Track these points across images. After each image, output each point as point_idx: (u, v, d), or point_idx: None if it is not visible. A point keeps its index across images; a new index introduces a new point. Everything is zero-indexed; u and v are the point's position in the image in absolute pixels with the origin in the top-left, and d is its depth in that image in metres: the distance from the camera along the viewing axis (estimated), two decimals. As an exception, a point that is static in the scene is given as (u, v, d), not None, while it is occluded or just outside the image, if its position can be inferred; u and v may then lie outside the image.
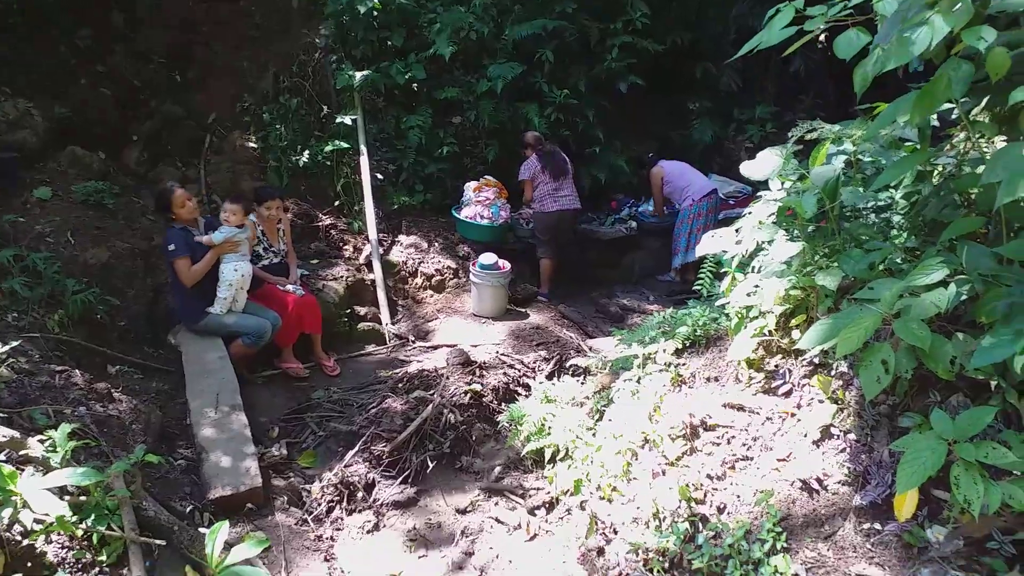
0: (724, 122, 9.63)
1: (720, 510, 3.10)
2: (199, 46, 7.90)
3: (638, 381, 3.98)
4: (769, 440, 3.22)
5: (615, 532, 3.41)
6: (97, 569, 3.00)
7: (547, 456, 4.20)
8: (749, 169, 3.63)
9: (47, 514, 2.85)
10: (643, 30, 8.52)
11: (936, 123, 3.50)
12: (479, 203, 7.40)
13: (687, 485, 3.18)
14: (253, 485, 3.98)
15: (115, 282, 5.40)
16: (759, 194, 3.82)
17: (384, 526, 4.15)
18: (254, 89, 7.83)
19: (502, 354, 5.75)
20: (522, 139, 7.49)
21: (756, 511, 2.98)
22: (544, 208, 7.16)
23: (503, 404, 5.00)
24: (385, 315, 6.44)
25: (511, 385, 5.29)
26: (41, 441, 3.33)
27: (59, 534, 2.99)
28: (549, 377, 5.37)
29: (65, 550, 2.98)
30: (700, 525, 3.11)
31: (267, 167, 7.33)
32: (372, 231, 6.94)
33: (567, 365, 5.19)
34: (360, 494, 4.30)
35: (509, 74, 7.68)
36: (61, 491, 3.09)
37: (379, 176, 7.59)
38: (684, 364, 3.99)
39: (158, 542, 3.19)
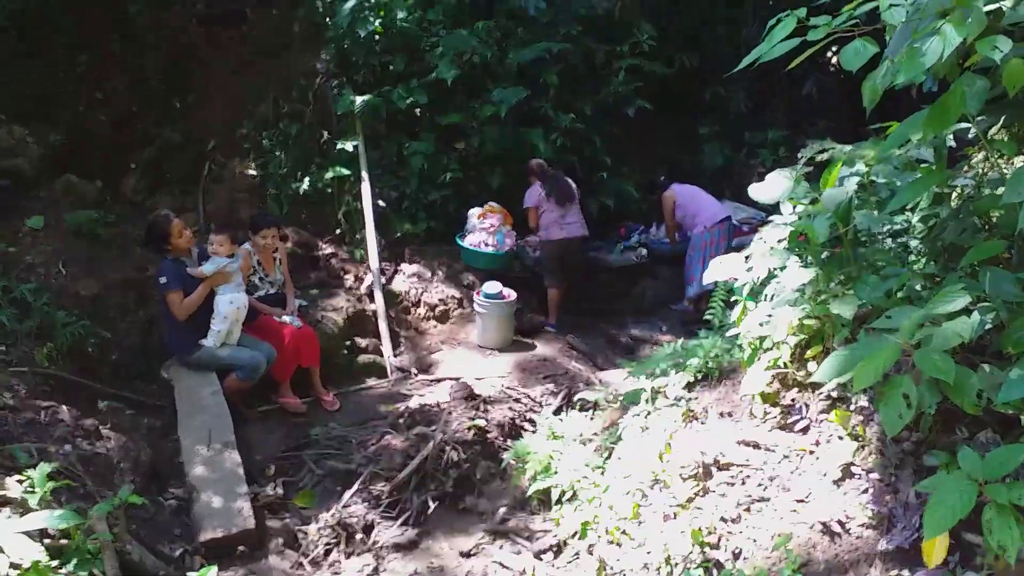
0: (735, 146, 9.49)
1: (736, 555, 2.91)
2: (198, 71, 7.85)
3: (647, 417, 3.80)
4: (786, 480, 3.04)
5: (624, 578, 3.22)
6: (76, 618, 2.84)
7: (554, 497, 4.01)
8: (757, 192, 3.49)
9: (22, 559, 2.70)
10: (650, 53, 8.42)
11: (953, 143, 3.36)
12: (483, 230, 7.26)
13: (700, 528, 2.99)
14: (246, 526, 3.82)
15: (107, 314, 5.28)
16: (771, 219, 3.67)
17: (384, 570, 3.96)
18: (253, 115, 7.76)
19: (507, 387, 5.58)
20: (527, 167, 7.37)
21: (774, 556, 2.79)
22: (550, 236, 7.02)
23: (509, 440, 4.82)
24: (387, 347, 6.28)
25: (517, 420, 5.11)
26: (20, 481, 3.19)
27: (36, 581, 2.83)
28: (557, 411, 5.18)
29: (42, 599, 2.82)
30: (714, 572, 2.93)
31: (267, 195, 7.24)
32: (374, 260, 6.81)
33: (575, 399, 5.01)
34: (359, 536, 4.12)
35: (513, 98, 7.58)
36: (41, 534, 2.94)
37: (381, 203, 7.48)
38: (696, 398, 3.82)
39: (141, 589, 3.03)
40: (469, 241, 7.30)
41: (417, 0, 8.02)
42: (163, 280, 4.89)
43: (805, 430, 3.16)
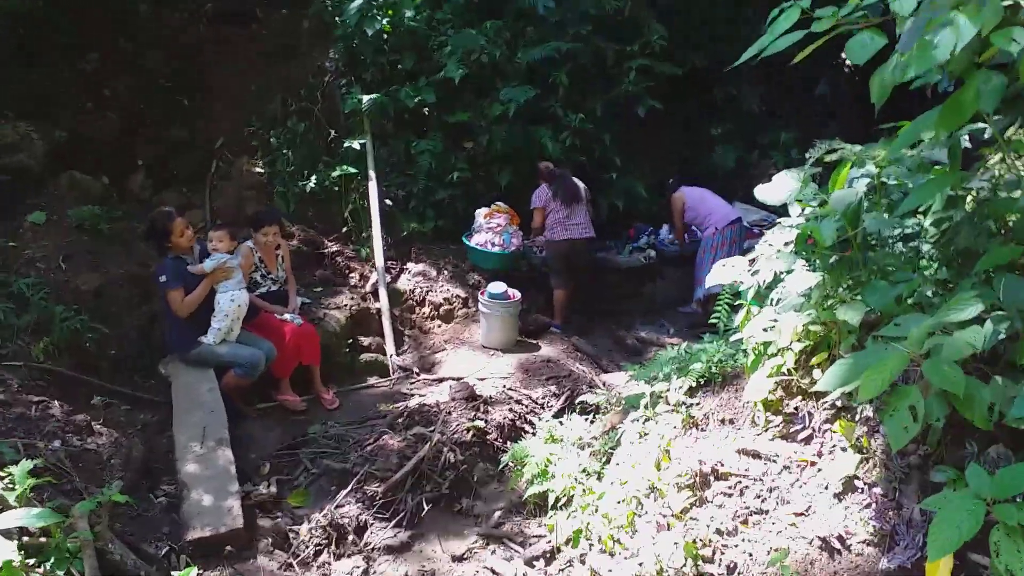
0: (747, 147, 9.35)
1: (730, 570, 2.80)
2: (207, 70, 7.83)
3: (646, 423, 3.70)
4: (786, 492, 2.92)
5: (616, 590, 3.12)
6: (52, 619, 2.78)
7: (550, 501, 3.91)
8: (764, 193, 3.38)
9: (-4, 558, 2.63)
10: (661, 53, 8.30)
11: (968, 143, 3.24)
12: (490, 230, 7.17)
13: (694, 541, 2.89)
14: (234, 526, 3.75)
15: (108, 309, 5.24)
16: (779, 220, 3.56)
17: (374, 572, 3.88)
18: (262, 113, 7.72)
19: (509, 388, 5.49)
20: (537, 169, 7.29)
21: (770, 573, 2.67)
22: (554, 237, 6.92)
23: (508, 442, 4.73)
24: (390, 346, 6.21)
25: (517, 422, 5.03)
26: (2, 478, 3.13)
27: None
28: (559, 414, 5.10)
29: (18, 599, 2.76)
30: (708, 586, 2.82)
31: (274, 193, 7.19)
32: (379, 258, 6.75)
33: (577, 401, 4.91)
34: (351, 537, 4.05)
35: (522, 97, 7.49)
36: (20, 532, 2.88)
37: (388, 202, 7.42)
38: (697, 404, 3.71)
39: (121, 590, 2.97)
40: (475, 240, 7.21)
41: (426, -1, 7.97)
42: (163, 279, 4.84)
43: (808, 440, 3.05)
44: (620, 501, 3.35)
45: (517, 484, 4.24)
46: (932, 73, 3.35)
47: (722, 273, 3.38)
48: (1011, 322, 2.39)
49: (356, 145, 7.29)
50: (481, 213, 7.38)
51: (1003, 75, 2.33)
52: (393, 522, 4.14)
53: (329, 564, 3.89)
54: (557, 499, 3.80)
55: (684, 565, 2.84)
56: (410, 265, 7.15)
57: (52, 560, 2.88)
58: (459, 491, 4.42)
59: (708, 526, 2.92)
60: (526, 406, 5.23)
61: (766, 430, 3.24)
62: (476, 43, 7.58)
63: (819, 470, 2.91)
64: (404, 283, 6.95)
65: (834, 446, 2.94)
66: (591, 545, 3.36)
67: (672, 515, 3.06)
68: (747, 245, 7.27)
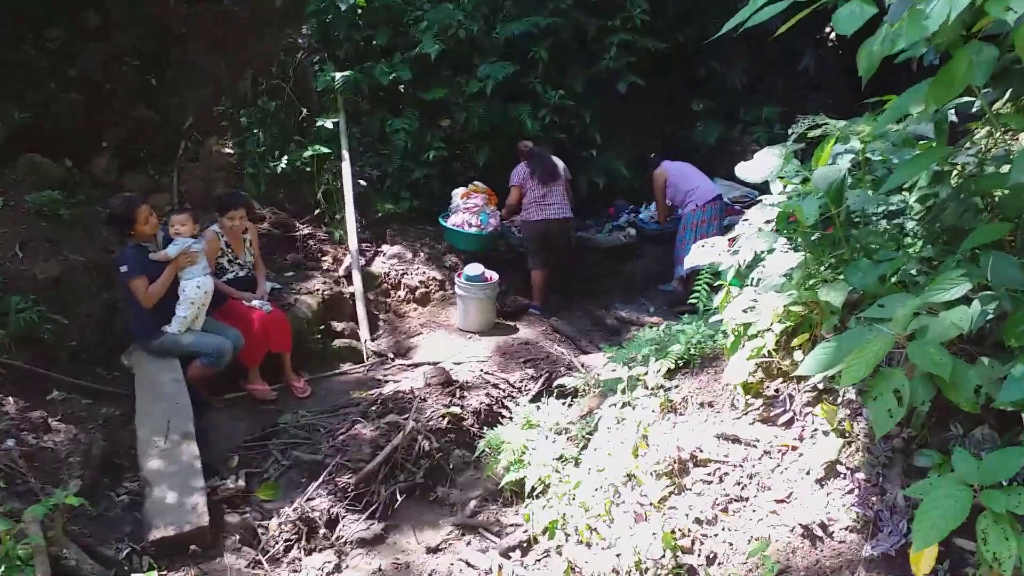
0: (729, 123, 9.20)
1: (710, 560, 2.70)
2: (175, 48, 7.56)
3: (623, 407, 3.59)
4: (767, 478, 2.83)
5: (593, 582, 3.02)
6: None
7: (527, 489, 3.80)
8: (745, 170, 3.25)
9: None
10: (642, 27, 8.11)
11: (954, 118, 3.12)
12: (467, 210, 7.01)
13: (673, 531, 2.79)
14: (199, 524, 3.62)
15: (67, 298, 5.03)
16: (760, 197, 3.44)
17: (346, 567, 3.77)
18: (232, 92, 7.48)
19: (486, 372, 5.37)
20: (517, 148, 7.14)
21: (751, 563, 2.58)
22: (530, 217, 6.77)
23: (485, 428, 4.63)
24: (364, 331, 6.06)
25: (494, 407, 4.93)
26: (-52, 482, 2.98)
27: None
28: (536, 398, 4.99)
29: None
30: (687, 578, 2.72)
31: (244, 174, 6.99)
32: (353, 241, 6.57)
33: (555, 385, 4.80)
34: (322, 531, 3.93)
35: (500, 74, 7.31)
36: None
37: (362, 182, 7.24)
38: (676, 387, 3.61)
39: (75, 597, 2.83)
40: (452, 221, 7.05)
41: (401, -28, 7.74)
42: (124, 269, 4.66)
43: (788, 424, 2.96)
44: (597, 489, 3.25)
45: (493, 471, 4.13)
46: (919, 46, 3.23)
47: (702, 253, 3.27)
48: (999, 302, 2.30)
49: (329, 124, 7.09)
50: (458, 193, 7.21)
51: (995, 47, 2.22)
52: (366, 514, 4.02)
53: (300, 560, 3.77)
54: (533, 488, 3.69)
55: (663, 556, 2.75)
56: (385, 247, 6.99)
57: (2, 568, 2.74)
58: (434, 480, 4.31)
59: (687, 515, 2.83)
60: (503, 390, 5.12)
61: (746, 413, 3.15)
62: (453, 18, 7.38)
63: (800, 455, 2.82)
64: (379, 266, 6.79)
65: (815, 430, 2.85)
66: (567, 536, 3.26)
67: (650, 504, 2.96)
68: (728, 222, 7.17)
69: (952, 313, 2.28)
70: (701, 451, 3.02)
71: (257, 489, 4.24)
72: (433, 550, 3.85)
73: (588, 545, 3.13)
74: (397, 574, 3.69)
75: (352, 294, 6.31)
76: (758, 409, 3.10)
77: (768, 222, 3.32)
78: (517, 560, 3.50)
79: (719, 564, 2.66)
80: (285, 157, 7.02)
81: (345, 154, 7.03)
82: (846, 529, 2.51)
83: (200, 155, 7.12)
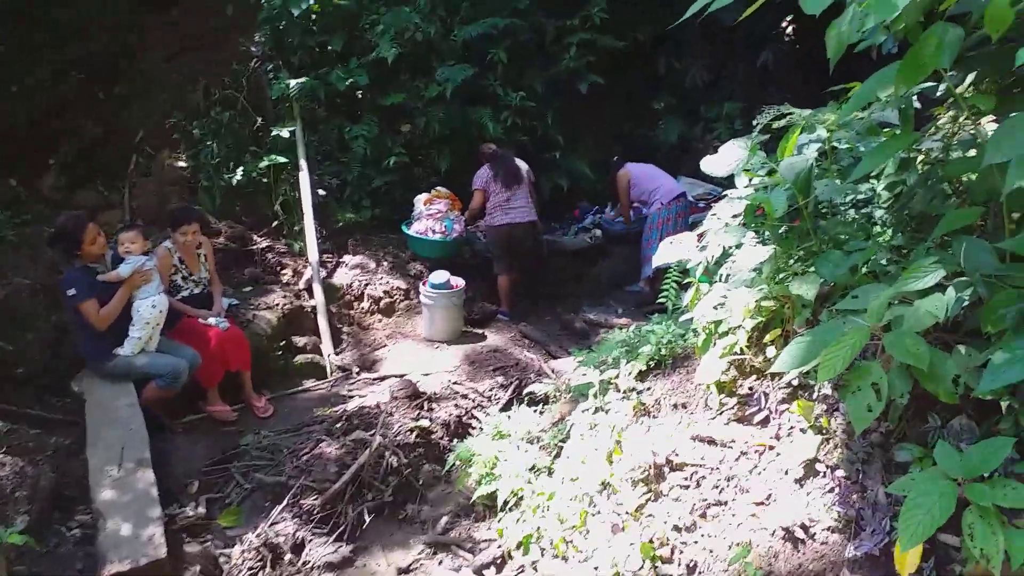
0: (691, 121, 9.19)
1: (690, 569, 2.60)
2: (124, 60, 7.33)
3: (595, 413, 3.48)
4: (744, 479, 2.74)
5: (571, 597, 2.90)
6: None
7: (499, 502, 3.67)
8: (710, 164, 3.17)
9: None
10: (601, 26, 8.05)
11: (918, 104, 3.07)
12: (430, 217, 6.87)
13: (651, 540, 2.68)
14: (156, 556, 3.43)
15: (13, 323, 4.79)
16: (725, 192, 3.37)
17: (314, 593, 3.61)
18: (183, 104, 7.27)
19: (455, 383, 5.24)
20: (479, 151, 7.02)
21: (732, 570, 2.48)
22: (494, 221, 6.65)
23: (455, 440, 4.49)
24: (327, 345, 5.88)
25: (464, 418, 4.80)
26: None
27: None
28: (507, 406, 4.87)
29: None
30: (668, 588, 2.61)
31: (198, 187, 6.78)
32: (313, 252, 6.40)
33: (525, 393, 4.67)
34: (287, 556, 3.76)
35: (459, 76, 7.19)
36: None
37: (321, 192, 7.06)
38: (648, 389, 3.51)
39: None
40: (416, 229, 6.91)
41: (355, -23, 7.59)
42: (72, 292, 4.41)
43: (764, 422, 2.88)
44: (572, 499, 3.14)
45: (465, 485, 4.00)
46: (877, 33, 3.18)
47: (670, 251, 3.17)
48: (974, 288, 2.23)
49: (285, 133, 6.92)
50: (420, 199, 7.07)
51: (960, 27, 2.16)
52: (333, 537, 3.87)
53: (264, 588, 3.60)
54: (506, 501, 3.56)
55: (641, 568, 2.64)
56: (347, 258, 6.82)
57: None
58: (403, 497, 4.17)
59: (665, 523, 2.72)
60: (473, 400, 5.00)
61: (720, 413, 3.06)
62: (409, 21, 7.26)
63: (778, 454, 2.74)
64: (341, 277, 6.62)
65: (792, 428, 2.77)
66: (543, 550, 3.14)
67: (627, 513, 2.85)
68: (692, 220, 7.12)
69: (927, 302, 2.21)
70: (677, 455, 2.93)
71: (219, 515, 4.06)
72: (404, 571, 3.71)
73: (564, 559, 3.01)
74: (367, 598, 3.54)
75: (314, 307, 6.14)
76: (733, 408, 3.02)
77: (735, 216, 3.25)
78: (491, 577, 3.36)
79: (700, 572, 2.55)
80: (240, 168, 6.83)
81: (303, 163, 6.86)
82: (828, 530, 2.43)
83: (152, 169, 6.92)
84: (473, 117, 7.50)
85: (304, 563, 3.72)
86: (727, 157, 3.16)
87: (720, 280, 3.23)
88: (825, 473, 2.54)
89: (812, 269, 2.74)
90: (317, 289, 6.18)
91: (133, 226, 4.77)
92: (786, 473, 2.64)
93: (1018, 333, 2.05)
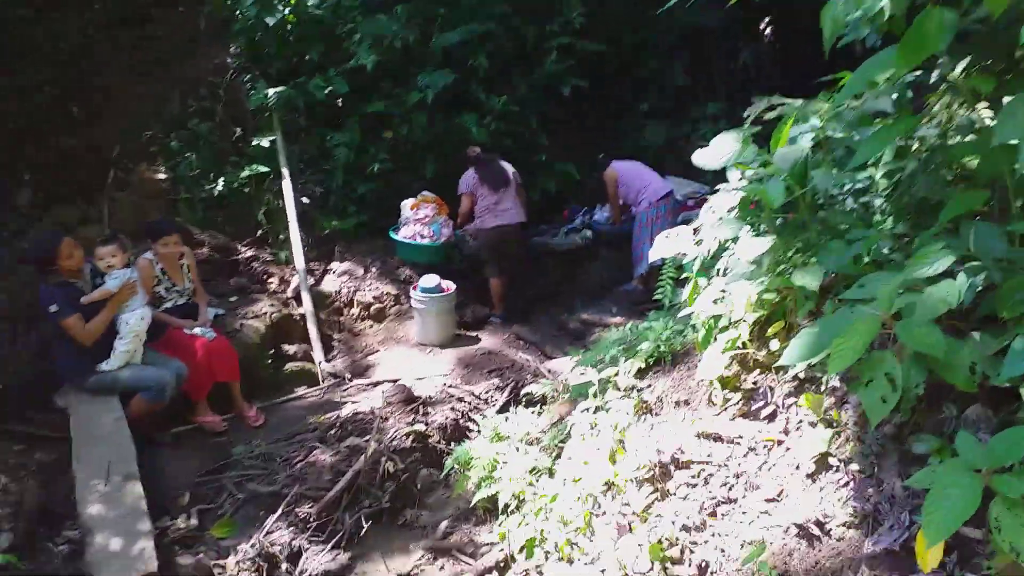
0: (676, 122, 9.20)
1: (702, 570, 2.53)
2: (98, 74, 7.20)
3: (596, 412, 3.42)
4: (754, 476, 2.68)
5: (578, 602, 2.83)
6: None
7: (500, 505, 3.60)
8: (703, 157, 3.12)
9: None
10: (582, 30, 8.03)
11: (909, 92, 3.05)
12: (418, 222, 6.80)
13: (660, 541, 2.61)
14: (147, 570, 3.33)
15: (-7, 339, 4.67)
16: (717, 187, 3.32)
17: (312, 603, 3.52)
18: (160, 116, 7.16)
19: (449, 386, 5.17)
20: (465, 155, 6.96)
21: (746, 570, 2.42)
22: (484, 224, 6.60)
23: (452, 444, 4.42)
24: (318, 352, 5.79)
25: (461, 421, 4.73)
26: None
27: None
28: (504, 408, 4.81)
29: None
30: (679, 590, 2.55)
31: (178, 199, 6.67)
32: (299, 260, 6.31)
33: (522, 394, 4.61)
34: (284, 566, 3.68)
35: (440, 82, 7.13)
36: None
37: (305, 200, 6.98)
38: (649, 387, 3.46)
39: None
40: (403, 234, 6.84)
41: (330, -15, 7.51)
42: (53, 308, 4.29)
43: (771, 417, 2.83)
44: (575, 500, 3.07)
45: (464, 489, 3.93)
46: (860, 27, 3.16)
47: (666, 245, 3.11)
48: (987, 273, 2.19)
49: (265, 142, 6.84)
50: (407, 205, 7.00)
51: (952, 10, 2.13)
52: (330, 545, 3.78)
53: (261, 599, 3.51)
54: (507, 504, 3.49)
55: (650, 569, 2.57)
56: (334, 265, 6.74)
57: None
58: (401, 502, 4.09)
59: (673, 522, 2.66)
60: (469, 403, 4.93)
61: (725, 409, 3.01)
62: (388, 29, 7.18)
63: (787, 449, 2.68)
64: (329, 284, 6.53)
65: (800, 421, 2.72)
66: (547, 554, 3.07)
67: (633, 513, 2.79)
68: (681, 218, 7.10)
69: (938, 288, 2.17)
70: (682, 452, 2.87)
71: (212, 527, 3.96)
72: (405, 577, 3.63)
73: (570, 562, 2.94)
74: (367, 607, 3.45)
75: (302, 315, 6.05)
76: (737, 404, 2.97)
77: (731, 210, 3.20)
78: (495, 583, 3.29)
79: (712, 573, 2.49)
80: (221, 179, 6.74)
81: (285, 172, 6.77)
82: (844, 525, 2.37)
83: (130, 183, 6.78)
84: (456, 122, 7.44)
85: (301, 572, 3.64)
86: (719, 150, 3.12)
87: (717, 274, 3.19)
88: (838, 467, 2.49)
89: (813, 260, 2.69)
90: (305, 296, 6.09)
91: (111, 239, 4.65)
92: (797, 468, 2.58)
93: (1035, 318, 2.01)
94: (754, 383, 2.97)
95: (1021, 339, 1.92)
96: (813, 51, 2.70)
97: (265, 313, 5.73)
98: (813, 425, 2.63)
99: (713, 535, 2.58)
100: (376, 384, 5.44)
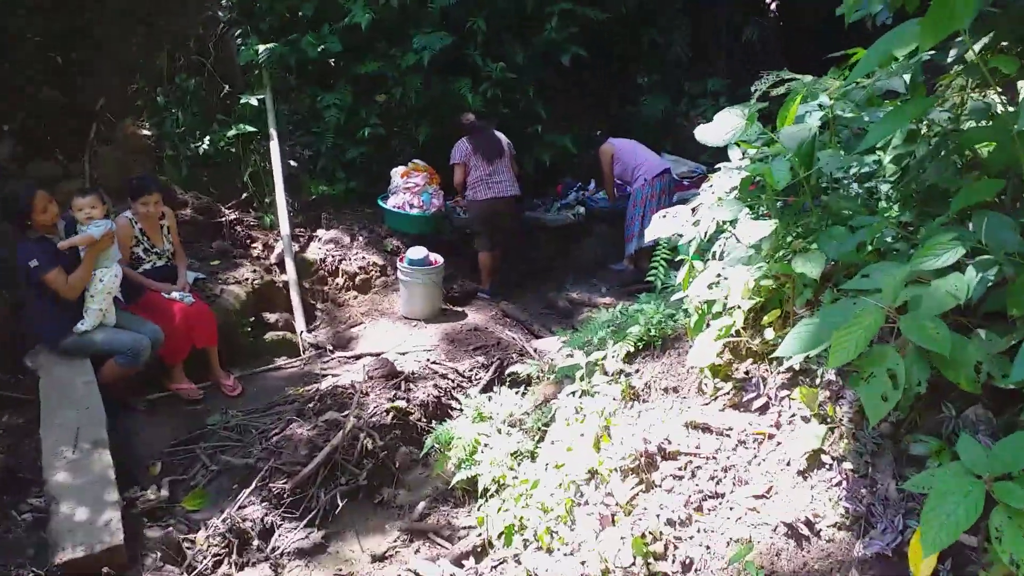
0: (675, 97, 9.00)
1: (686, 567, 2.43)
2: (84, 23, 6.97)
3: (581, 396, 3.31)
4: (743, 470, 2.58)
5: (556, 593, 2.73)
6: None
7: (480, 488, 3.50)
8: (705, 133, 2.97)
9: None
10: (585, -5, 7.80)
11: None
12: (408, 190, 6.63)
13: (643, 535, 2.51)
14: (113, 543, 3.22)
15: (-39, 297, 4.52)
16: (718, 166, 3.17)
17: (283, 581, 3.42)
18: (147, 70, 6.93)
19: (433, 362, 5.04)
20: (458, 121, 6.76)
21: (732, 569, 2.32)
22: (476, 196, 6.42)
23: (433, 422, 4.30)
24: (300, 322, 5.64)
25: (443, 398, 4.61)
26: None
27: None
28: (488, 387, 4.69)
29: None
30: (661, 586, 2.45)
31: (163, 157, 6.47)
32: (284, 225, 6.14)
33: (507, 373, 4.49)
34: (255, 542, 3.57)
35: (436, 45, 6.90)
36: None
37: (293, 163, 6.80)
38: (637, 372, 3.35)
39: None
40: (392, 203, 6.67)
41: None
42: (34, 263, 4.14)
43: (763, 409, 2.72)
44: (557, 487, 2.96)
45: (443, 468, 3.83)
46: (873, 2, 2.99)
47: (662, 225, 2.97)
48: (999, 267, 2.06)
49: (254, 101, 6.63)
50: (397, 172, 6.82)
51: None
52: (304, 522, 3.67)
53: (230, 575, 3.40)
54: (486, 488, 3.39)
55: (632, 564, 2.47)
56: (320, 232, 6.57)
57: None
58: (379, 481, 3.98)
59: (658, 516, 2.55)
60: (452, 380, 4.81)
61: (715, 399, 2.90)
62: (384, -15, 6.94)
63: (778, 444, 2.58)
64: (314, 252, 6.37)
65: (794, 415, 2.62)
66: (526, 541, 2.96)
67: (616, 505, 2.68)
68: (677, 197, 6.95)
69: (946, 281, 2.06)
70: (669, 442, 2.76)
71: (183, 498, 3.84)
72: (379, 558, 3.53)
73: (549, 551, 2.84)
74: (340, 587, 3.35)
75: (285, 283, 5.89)
76: (728, 394, 2.86)
77: (731, 190, 3.06)
78: (471, 568, 3.18)
79: (697, 570, 2.39)
80: (207, 138, 6.54)
81: (273, 133, 6.58)
82: (834, 526, 2.27)
83: (114, 138, 6.58)
84: (452, 88, 7.22)
85: (273, 549, 3.53)
86: (723, 126, 2.96)
87: (713, 258, 3.06)
88: (831, 465, 2.39)
89: (814, 246, 2.56)
90: (289, 264, 5.93)
91: (90, 190, 4.49)
92: (788, 464, 2.48)
93: (1050, 316, 1.89)
94: (746, 373, 2.86)
95: (1034, 339, 1.80)
96: (818, 30, 2.56)
97: (247, 279, 5.57)
98: (806, 420, 2.53)
99: (699, 531, 2.48)
100: (358, 357, 5.31)
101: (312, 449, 3.97)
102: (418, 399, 4.50)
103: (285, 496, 3.76)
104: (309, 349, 5.47)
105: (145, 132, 6.67)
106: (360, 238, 6.59)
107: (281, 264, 6.04)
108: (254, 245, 6.21)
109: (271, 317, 5.61)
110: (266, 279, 5.75)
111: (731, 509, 2.47)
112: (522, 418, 3.74)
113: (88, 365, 4.27)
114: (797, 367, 2.67)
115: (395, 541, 3.61)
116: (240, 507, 3.71)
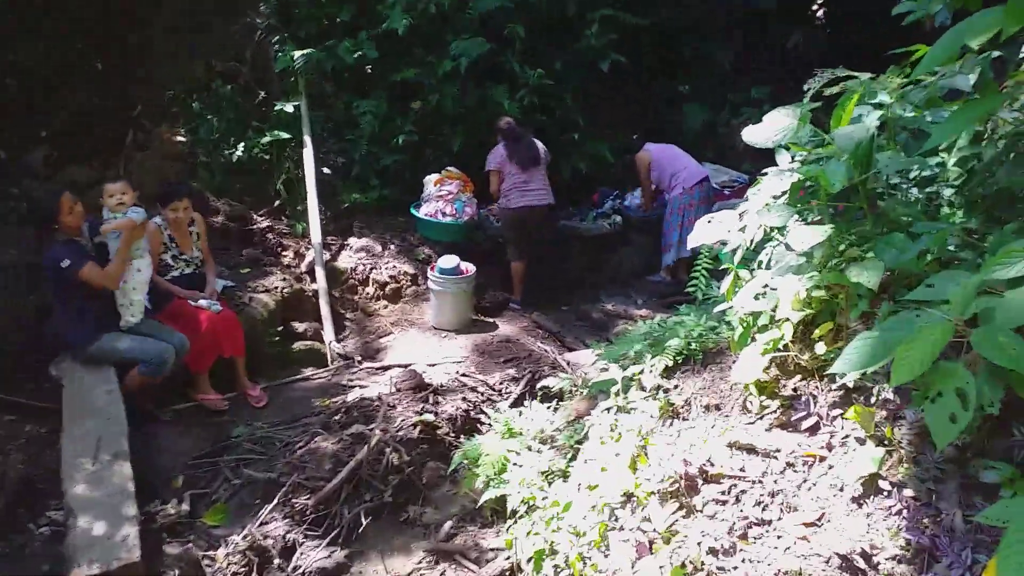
0: (717, 105, 8.79)
1: (730, 601, 2.24)
2: (123, 30, 7.01)
3: (617, 412, 3.12)
4: (792, 496, 2.38)
5: (590, 626, 2.55)
6: None
7: (508, 508, 3.33)
8: (753, 134, 2.79)
9: None
10: (626, 3, 7.63)
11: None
12: (441, 198, 6.52)
13: (683, 564, 2.32)
14: (129, 559, 3.10)
15: (-9, 303, 4.49)
16: (765, 171, 2.98)
17: (304, 602, 3.28)
18: (184, 76, 6.94)
19: (463, 374, 4.89)
20: (495, 126, 6.63)
21: (781, 605, 2.12)
22: (510, 204, 6.28)
23: (462, 437, 4.15)
24: (329, 331, 5.54)
25: (472, 413, 4.45)
26: None
27: None
28: (519, 401, 4.52)
29: None
30: (703, 622, 2.26)
31: (197, 163, 6.45)
32: (316, 234, 6.06)
33: (538, 387, 4.32)
34: (276, 561, 3.43)
35: (475, 51, 6.81)
36: None
37: (326, 170, 6.74)
38: (676, 388, 3.16)
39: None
40: (425, 211, 6.56)
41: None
42: (67, 263, 4.11)
43: (813, 430, 2.53)
44: (591, 510, 2.78)
45: (472, 486, 3.65)
46: (932, 2, 2.80)
47: (707, 231, 2.79)
48: (1082, 279, 1.85)
49: (289, 108, 6.59)
50: (431, 180, 6.72)
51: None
52: (327, 540, 3.53)
53: (250, 595, 3.28)
54: (515, 509, 3.21)
55: (671, 596, 2.28)
56: (352, 240, 6.48)
57: None
58: (405, 497, 3.82)
59: (699, 544, 2.36)
60: (482, 394, 4.65)
61: (761, 418, 2.71)
62: (423, -10, 6.87)
63: (830, 467, 2.38)
64: (345, 260, 6.28)
65: (847, 437, 2.42)
66: (556, 568, 2.78)
67: (654, 531, 2.49)
68: (716, 207, 6.73)
69: (1020, 292, 1.85)
70: (712, 464, 2.57)
71: (204, 514, 3.74)
72: (403, 580, 3.38)
73: (582, 579, 2.66)
74: (361, 610, 3.21)
75: (315, 292, 5.81)
76: (775, 412, 2.66)
77: (779, 195, 2.87)
78: (498, 593, 3.02)
79: (741, 605, 2.19)
80: (242, 144, 6.52)
81: (307, 140, 6.53)
82: (894, 559, 2.07)
83: (149, 144, 6.59)
84: (489, 95, 7.11)
85: (294, 568, 3.39)
86: (772, 126, 2.78)
87: (759, 267, 2.87)
88: (889, 492, 2.19)
89: (871, 255, 2.37)
90: (319, 272, 5.85)
91: (120, 177, 4.48)
92: (841, 490, 2.28)
93: None
94: (795, 390, 2.67)
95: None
96: (866, 36, 2.38)
97: (276, 287, 5.49)
98: (861, 442, 2.33)
99: (743, 560, 2.28)
100: (387, 368, 5.19)
101: (337, 464, 3.84)
102: (446, 413, 4.35)
103: (308, 512, 3.63)
104: (337, 359, 5.36)
105: (180, 138, 6.67)
106: (392, 247, 6.50)
107: (311, 273, 5.97)
108: (285, 253, 6.15)
109: (299, 326, 5.53)
110: (295, 288, 5.68)
111: (779, 538, 2.27)
112: (553, 435, 3.57)
113: (111, 374, 4.21)
114: (851, 385, 2.47)
115: (420, 562, 3.45)
116: (262, 523, 3.59)
